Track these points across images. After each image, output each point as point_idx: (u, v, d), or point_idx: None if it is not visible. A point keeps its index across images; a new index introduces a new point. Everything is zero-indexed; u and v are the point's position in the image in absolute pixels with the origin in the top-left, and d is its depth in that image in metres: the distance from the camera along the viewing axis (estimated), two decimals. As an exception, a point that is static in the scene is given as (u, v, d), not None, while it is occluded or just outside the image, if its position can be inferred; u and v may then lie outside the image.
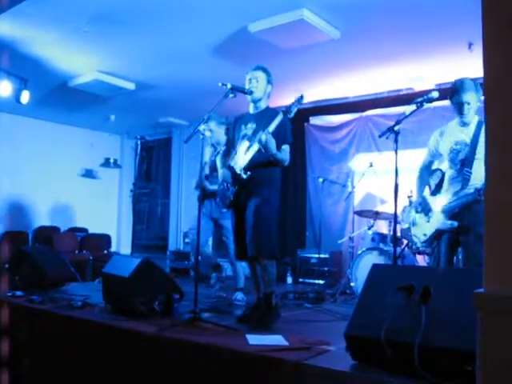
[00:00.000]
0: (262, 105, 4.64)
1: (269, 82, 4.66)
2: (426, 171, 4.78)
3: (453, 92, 4.32)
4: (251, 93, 4.53)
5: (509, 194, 1.79)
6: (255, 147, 4.31)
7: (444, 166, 4.77)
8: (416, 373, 2.37)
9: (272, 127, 4.25)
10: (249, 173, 4.34)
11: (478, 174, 4.15)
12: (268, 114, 4.52)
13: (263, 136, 4.19)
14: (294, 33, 6.16)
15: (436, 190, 4.75)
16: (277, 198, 4.58)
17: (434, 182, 5.11)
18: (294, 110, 4.34)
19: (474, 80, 4.33)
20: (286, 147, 4.48)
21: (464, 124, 4.33)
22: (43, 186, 10.75)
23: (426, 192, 4.78)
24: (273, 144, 4.24)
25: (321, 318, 4.77)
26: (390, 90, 8.51)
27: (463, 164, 4.29)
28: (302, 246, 9.27)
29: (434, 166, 4.96)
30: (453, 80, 6.81)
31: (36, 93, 8.45)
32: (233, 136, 4.80)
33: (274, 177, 4.56)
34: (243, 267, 5.87)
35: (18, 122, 10.37)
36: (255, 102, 4.63)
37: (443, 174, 4.71)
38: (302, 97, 4.44)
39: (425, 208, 4.56)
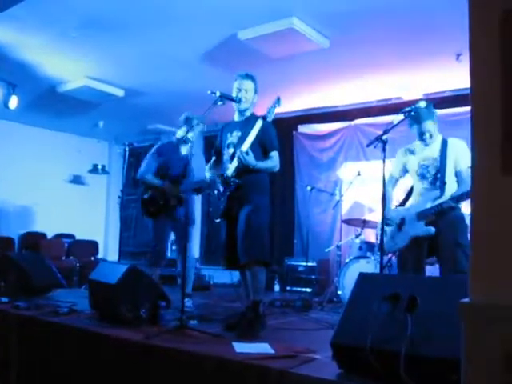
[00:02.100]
0: (248, 113, 4.66)
1: (256, 91, 4.68)
2: (393, 187, 4.99)
3: (412, 120, 4.60)
4: (240, 101, 4.54)
5: (494, 204, 1.80)
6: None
7: (408, 181, 5.05)
8: (402, 382, 2.37)
9: (249, 140, 4.33)
10: (236, 180, 4.36)
11: (451, 186, 4.46)
12: (253, 121, 4.54)
13: (239, 155, 4.28)
14: (283, 41, 6.18)
15: (404, 202, 4.97)
16: (268, 205, 4.60)
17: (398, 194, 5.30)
18: (273, 112, 4.39)
19: (427, 105, 4.56)
20: (274, 154, 4.51)
21: (427, 144, 4.64)
22: (30, 191, 10.70)
23: (393, 204, 5.04)
24: (251, 159, 4.29)
25: (307, 326, 4.76)
26: (378, 99, 8.56)
27: (436, 177, 4.53)
28: (289, 253, 9.27)
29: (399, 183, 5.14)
30: (441, 90, 6.94)
31: (24, 98, 8.44)
32: (220, 145, 4.81)
33: (264, 183, 4.57)
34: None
35: (5, 127, 10.36)
36: (242, 112, 4.64)
37: (411, 190, 4.96)
38: (278, 99, 4.49)
39: (396, 220, 4.74)
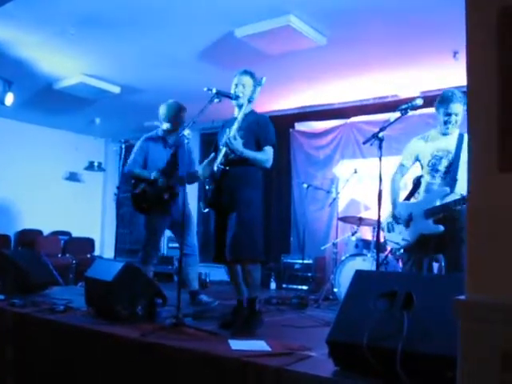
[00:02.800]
0: (247, 109, 4.62)
1: (255, 87, 4.64)
2: (401, 177, 4.85)
3: (442, 101, 4.45)
4: (237, 98, 4.51)
5: (491, 202, 1.80)
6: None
7: (416, 171, 4.89)
8: (398, 379, 2.37)
9: (236, 125, 4.31)
10: (222, 166, 4.32)
11: (463, 183, 4.25)
12: (251, 117, 4.52)
13: (226, 139, 4.26)
14: (280, 39, 6.18)
15: (410, 195, 4.84)
16: (260, 200, 4.52)
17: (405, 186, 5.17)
18: (255, 92, 4.38)
19: (463, 92, 4.40)
20: (268, 148, 4.45)
21: (444, 134, 4.51)
22: (27, 188, 10.68)
23: (401, 198, 4.88)
24: (238, 144, 4.25)
25: (304, 324, 4.75)
26: (375, 96, 8.56)
27: (447, 171, 4.42)
28: (285, 251, 9.26)
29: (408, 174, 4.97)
30: (437, 88, 6.90)
31: (21, 95, 8.42)
32: (218, 141, 4.77)
33: (255, 177, 4.51)
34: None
35: (1, 124, 10.32)
36: (240, 107, 4.60)
37: (418, 180, 4.80)
38: (261, 78, 4.44)
39: (403, 215, 4.64)
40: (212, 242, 4.59)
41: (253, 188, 4.45)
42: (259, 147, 4.43)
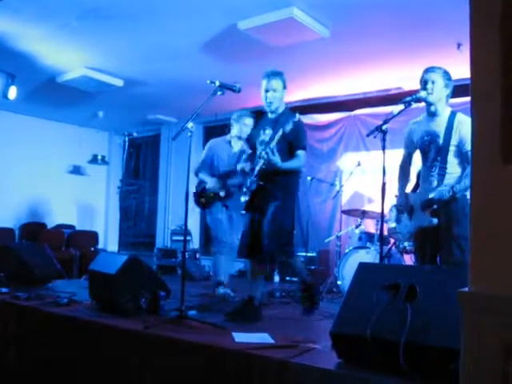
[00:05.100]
0: (280, 109, 4.64)
1: (285, 86, 4.65)
2: (408, 166, 4.78)
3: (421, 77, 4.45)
4: (239, 90, 4.50)
5: (494, 194, 1.80)
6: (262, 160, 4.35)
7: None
8: (401, 371, 2.38)
9: (274, 141, 4.28)
10: (260, 182, 4.40)
11: (452, 167, 4.28)
12: (284, 117, 4.49)
13: (264, 154, 4.24)
14: (283, 31, 6.16)
15: (416, 187, 4.91)
16: (293, 203, 4.60)
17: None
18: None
19: (445, 70, 4.49)
20: (300, 152, 4.49)
21: (433, 114, 4.41)
22: (30, 181, 10.70)
23: (408, 189, 4.85)
24: (276, 159, 4.24)
25: (307, 317, 4.76)
26: (378, 89, 8.53)
27: (436, 159, 4.35)
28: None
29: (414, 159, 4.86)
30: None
31: (23, 88, 8.42)
32: (254, 139, 4.78)
33: (290, 182, 4.57)
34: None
35: (4, 117, 10.34)
36: (272, 112, 4.63)
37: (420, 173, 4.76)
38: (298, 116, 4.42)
39: (406, 207, 4.59)
40: (243, 239, 4.73)
41: (286, 192, 4.51)
42: (291, 150, 4.42)
